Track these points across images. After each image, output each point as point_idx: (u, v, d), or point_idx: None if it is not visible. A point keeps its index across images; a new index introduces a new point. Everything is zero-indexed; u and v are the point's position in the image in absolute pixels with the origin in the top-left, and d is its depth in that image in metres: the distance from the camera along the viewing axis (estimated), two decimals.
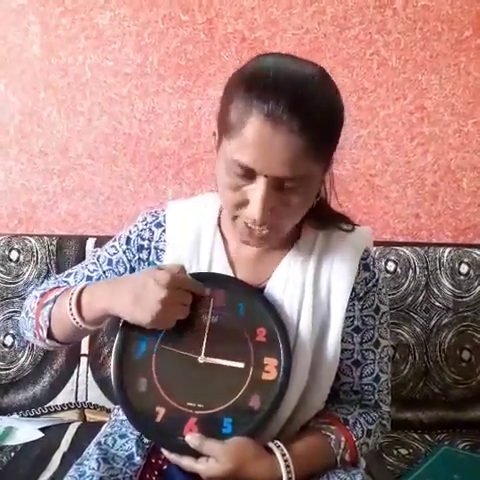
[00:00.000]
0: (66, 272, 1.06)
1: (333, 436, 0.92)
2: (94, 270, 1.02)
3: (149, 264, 1.00)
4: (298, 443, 0.90)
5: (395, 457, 1.35)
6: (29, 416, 1.48)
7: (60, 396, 1.49)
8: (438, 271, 1.50)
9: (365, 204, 1.66)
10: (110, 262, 1.01)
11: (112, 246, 1.03)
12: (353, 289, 0.94)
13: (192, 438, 0.85)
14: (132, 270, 1.01)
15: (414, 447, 1.40)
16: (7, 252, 1.53)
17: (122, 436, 0.96)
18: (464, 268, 1.50)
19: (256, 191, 0.79)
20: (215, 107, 1.65)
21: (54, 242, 1.54)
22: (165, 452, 0.89)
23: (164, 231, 0.99)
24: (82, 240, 1.55)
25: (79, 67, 1.62)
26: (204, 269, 0.96)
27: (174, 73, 1.62)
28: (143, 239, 1.00)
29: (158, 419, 0.87)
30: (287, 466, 0.85)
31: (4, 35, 1.61)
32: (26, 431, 1.39)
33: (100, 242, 1.53)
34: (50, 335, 0.97)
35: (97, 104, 1.64)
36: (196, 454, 0.85)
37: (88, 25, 1.60)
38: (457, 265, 1.50)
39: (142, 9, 1.59)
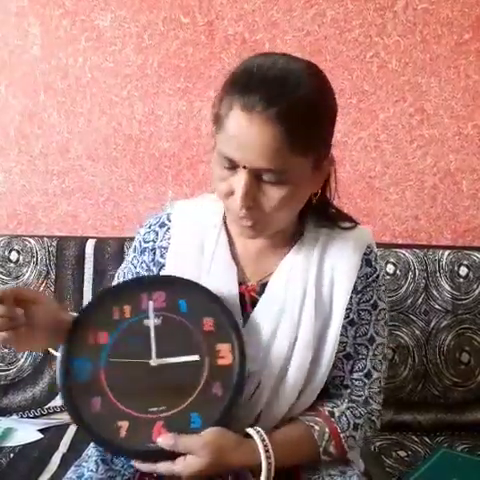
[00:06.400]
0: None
1: (317, 427, 0.92)
2: None
3: (154, 264, 1.01)
4: (279, 430, 0.90)
5: (394, 459, 1.35)
6: (28, 417, 1.48)
7: (59, 397, 1.48)
8: (437, 273, 1.50)
9: (365, 206, 1.66)
10: (124, 276, 1.04)
11: (124, 261, 1.07)
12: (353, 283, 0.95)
13: (165, 439, 0.83)
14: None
15: (413, 449, 1.40)
16: (7, 253, 1.53)
17: None
18: (463, 270, 1.50)
19: (238, 181, 0.82)
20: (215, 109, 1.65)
21: (54, 243, 1.54)
22: (137, 464, 0.86)
23: (168, 229, 1.00)
24: (82, 241, 1.55)
25: (79, 69, 1.62)
26: (207, 265, 0.97)
27: (174, 75, 1.62)
28: (147, 242, 1.01)
29: (122, 434, 0.84)
30: (266, 451, 0.84)
31: (4, 37, 1.61)
32: (25, 432, 1.38)
33: (100, 243, 1.53)
34: None
35: (97, 105, 1.64)
36: (170, 458, 0.83)
37: (88, 27, 1.60)
38: (456, 267, 1.50)
39: (142, 11, 1.59)
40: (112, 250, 1.52)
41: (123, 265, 1.06)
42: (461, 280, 1.50)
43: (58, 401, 1.49)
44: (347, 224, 0.97)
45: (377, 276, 0.97)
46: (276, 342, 0.94)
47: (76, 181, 1.68)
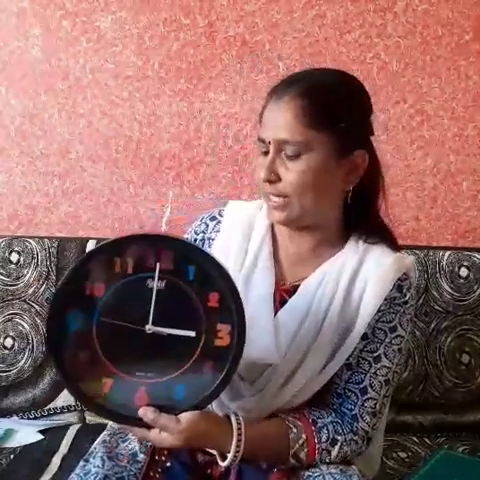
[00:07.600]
0: None
1: (295, 430, 0.93)
2: None
3: None
4: (258, 424, 0.93)
5: (394, 460, 1.35)
6: (29, 418, 1.48)
7: (60, 398, 1.49)
8: (438, 274, 1.50)
9: None
10: None
11: None
12: None
13: (146, 412, 0.85)
14: None
15: (413, 450, 1.40)
16: (7, 254, 1.53)
17: (124, 440, 0.98)
18: (464, 271, 1.50)
19: (266, 159, 0.93)
20: (216, 110, 1.67)
21: (55, 244, 1.54)
22: (112, 423, 0.92)
23: (218, 223, 1.06)
24: (82, 242, 1.55)
25: (80, 70, 1.62)
26: (248, 262, 1.00)
27: (175, 76, 1.62)
28: (197, 233, 1.08)
29: (106, 390, 0.85)
30: (238, 440, 0.87)
31: (5, 38, 1.61)
32: (26, 433, 1.39)
33: None
34: None
35: (98, 107, 1.64)
36: (146, 426, 0.86)
37: (89, 28, 1.60)
38: (457, 268, 1.50)
39: (143, 12, 1.59)
40: None
41: None
42: (461, 281, 1.50)
43: (59, 402, 1.49)
44: (387, 248, 1.00)
45: (404, 302, 0.98)
46: (293, 345, 0.96)
47: (77, 182, 1.68)
